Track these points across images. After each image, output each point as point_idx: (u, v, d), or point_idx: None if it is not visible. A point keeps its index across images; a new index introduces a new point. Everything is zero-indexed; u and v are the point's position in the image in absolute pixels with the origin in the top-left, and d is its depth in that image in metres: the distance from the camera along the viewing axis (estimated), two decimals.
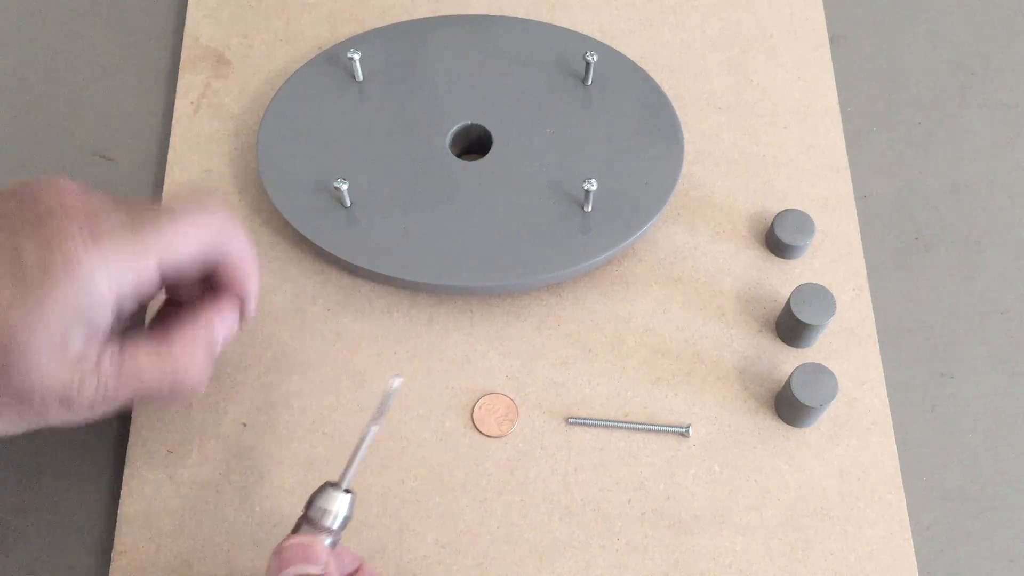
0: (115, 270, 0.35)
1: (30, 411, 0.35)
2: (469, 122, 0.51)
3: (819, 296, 0.46)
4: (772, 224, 0.49)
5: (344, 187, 0.47)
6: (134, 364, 0.36)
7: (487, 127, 0.50)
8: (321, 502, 0.37)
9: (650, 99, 0.51)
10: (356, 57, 0.50)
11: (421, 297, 0.49)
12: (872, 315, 0.49)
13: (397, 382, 0.38)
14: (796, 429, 0.46)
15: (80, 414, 0.36)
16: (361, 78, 0.52)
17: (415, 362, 0.47)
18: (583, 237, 0.47)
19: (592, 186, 0.46)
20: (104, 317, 0.35)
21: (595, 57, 0.50)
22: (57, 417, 0.36)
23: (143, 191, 0.52)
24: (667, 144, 0.50)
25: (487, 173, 0.49)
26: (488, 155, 0.50)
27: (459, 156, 0.50)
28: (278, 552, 0.36)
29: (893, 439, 0.46)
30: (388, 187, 0.49)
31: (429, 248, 0.47)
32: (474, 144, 0.52)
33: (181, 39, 0.56)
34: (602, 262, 0.48)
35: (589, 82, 0.51)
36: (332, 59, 0.52)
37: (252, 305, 0.41)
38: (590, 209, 0.48)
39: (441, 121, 0.51)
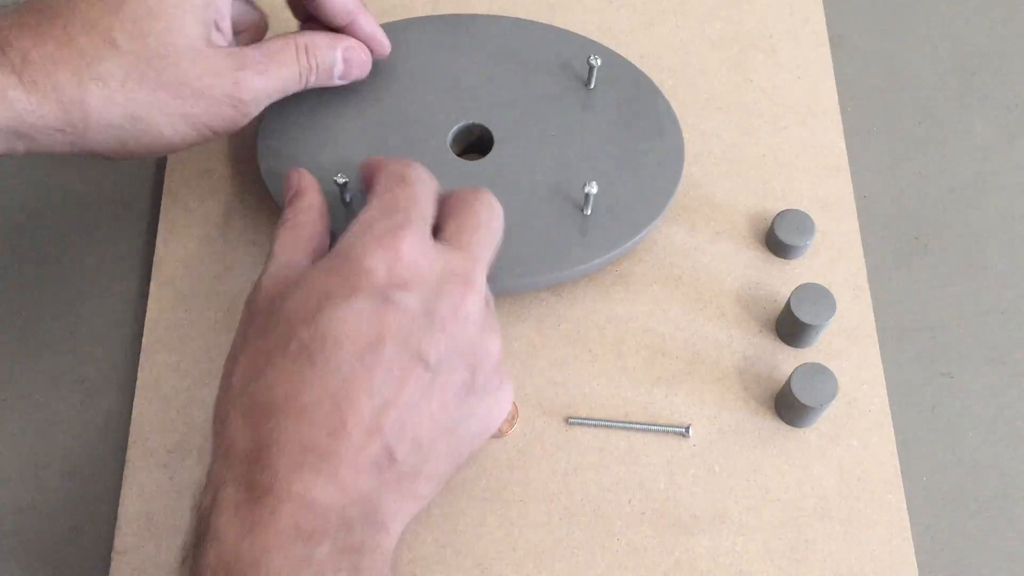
0: None
1: (183, 102, 0.41)
2: (471, 121, 0.51)
3: (819, 296, 0.46)
4: (772, 224, 0.49)
5: (343, 181, 0.47)
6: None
7: (488, 127, 0.50)
8: None
9: (651, 105, 0.51)
10: None
11: None
12: (872, 315, 0.49)
13: None
14: (796, 429, 0.46)
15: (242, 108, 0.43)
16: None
17: None
18: (583, 239, 0.47)
19: (593, 189, 0.46)
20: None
21: (599, 61, 0.50)
22: (218, 118, 0.42)
23: (143, 191, 0.52)
24: (667, 151, 0.50)
25: (487, 173, 0.49)
26: (489, 155, 0.50)
27: (460, 155, 0.50)
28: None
29: (893, 439, 0.46)
30: None
31: None
32: (475, 144, 0.52)
33: None
34: (602, 265, 0.48)
35: (592, 85, 0.51)
36: None
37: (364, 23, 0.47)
38: (589, 212, 0.47)
39: (443, 120, 0.51)
